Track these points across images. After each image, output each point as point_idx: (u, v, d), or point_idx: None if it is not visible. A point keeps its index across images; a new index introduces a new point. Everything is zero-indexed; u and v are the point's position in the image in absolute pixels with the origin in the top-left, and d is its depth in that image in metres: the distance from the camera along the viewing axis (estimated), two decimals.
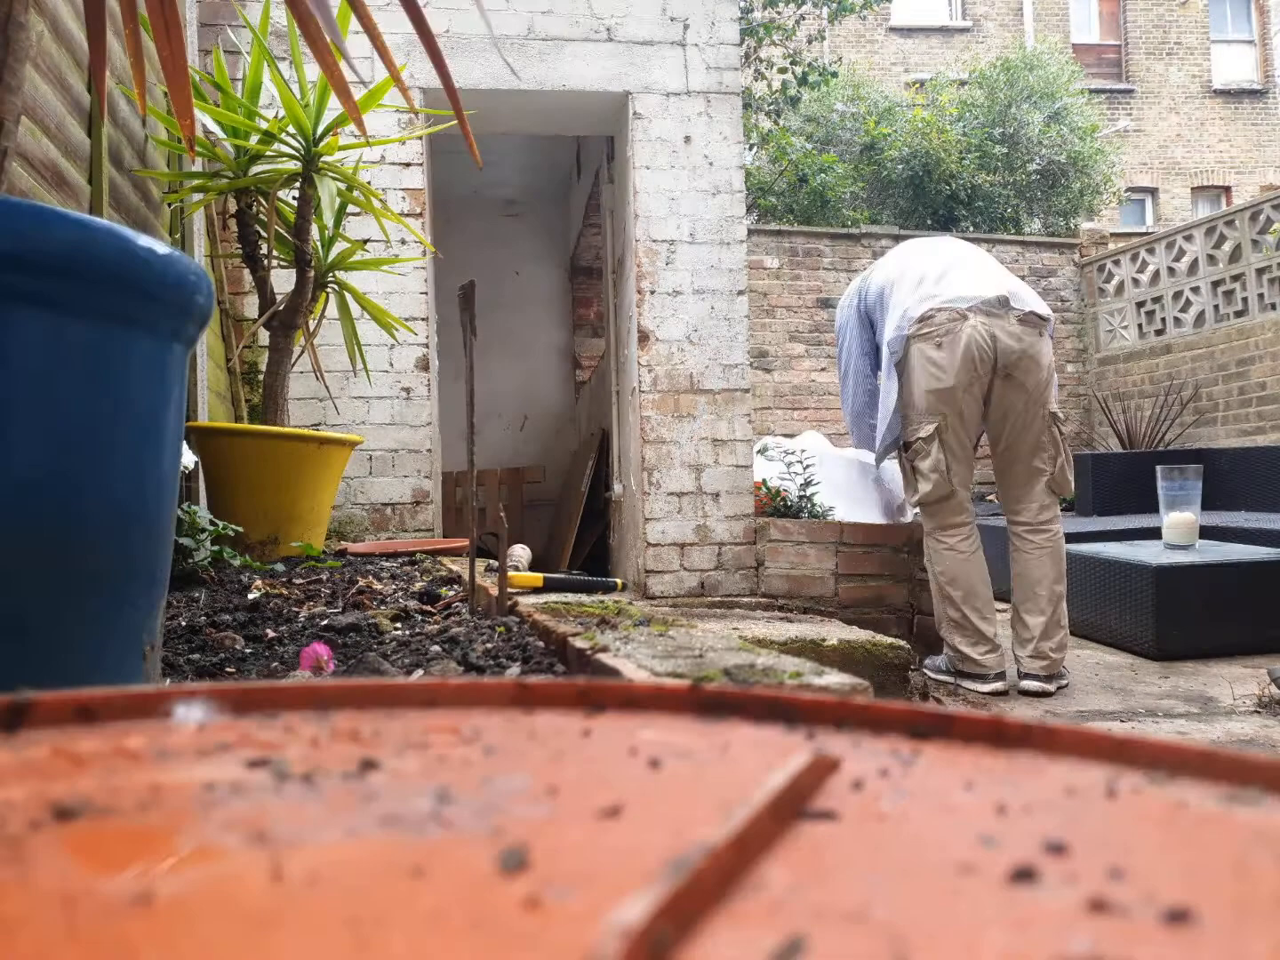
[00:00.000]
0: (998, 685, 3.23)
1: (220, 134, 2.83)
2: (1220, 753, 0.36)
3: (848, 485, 4.10)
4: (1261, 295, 6.93)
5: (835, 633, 3.00)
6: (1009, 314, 3.28)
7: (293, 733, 0.42)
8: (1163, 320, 7.88)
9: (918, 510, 3.43)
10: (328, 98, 2.66)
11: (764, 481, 4.26)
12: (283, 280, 3.23)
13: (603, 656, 1.00)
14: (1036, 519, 3.33)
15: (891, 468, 3.98)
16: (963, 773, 0.37)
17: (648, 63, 4.20)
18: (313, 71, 3.49)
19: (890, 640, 2.95)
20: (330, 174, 2.76)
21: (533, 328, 7.83)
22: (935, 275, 3.41)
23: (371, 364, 3.79)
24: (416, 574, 2.23)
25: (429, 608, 1.68)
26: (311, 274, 2.86)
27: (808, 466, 4.12)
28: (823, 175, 8.99)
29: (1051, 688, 3.19)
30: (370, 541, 3.15)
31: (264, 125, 2.73)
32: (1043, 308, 3.37)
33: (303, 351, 3.04)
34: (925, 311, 3.29)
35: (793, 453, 4.17)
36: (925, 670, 3.49)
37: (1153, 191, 15.87)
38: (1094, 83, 14.66)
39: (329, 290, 3.15)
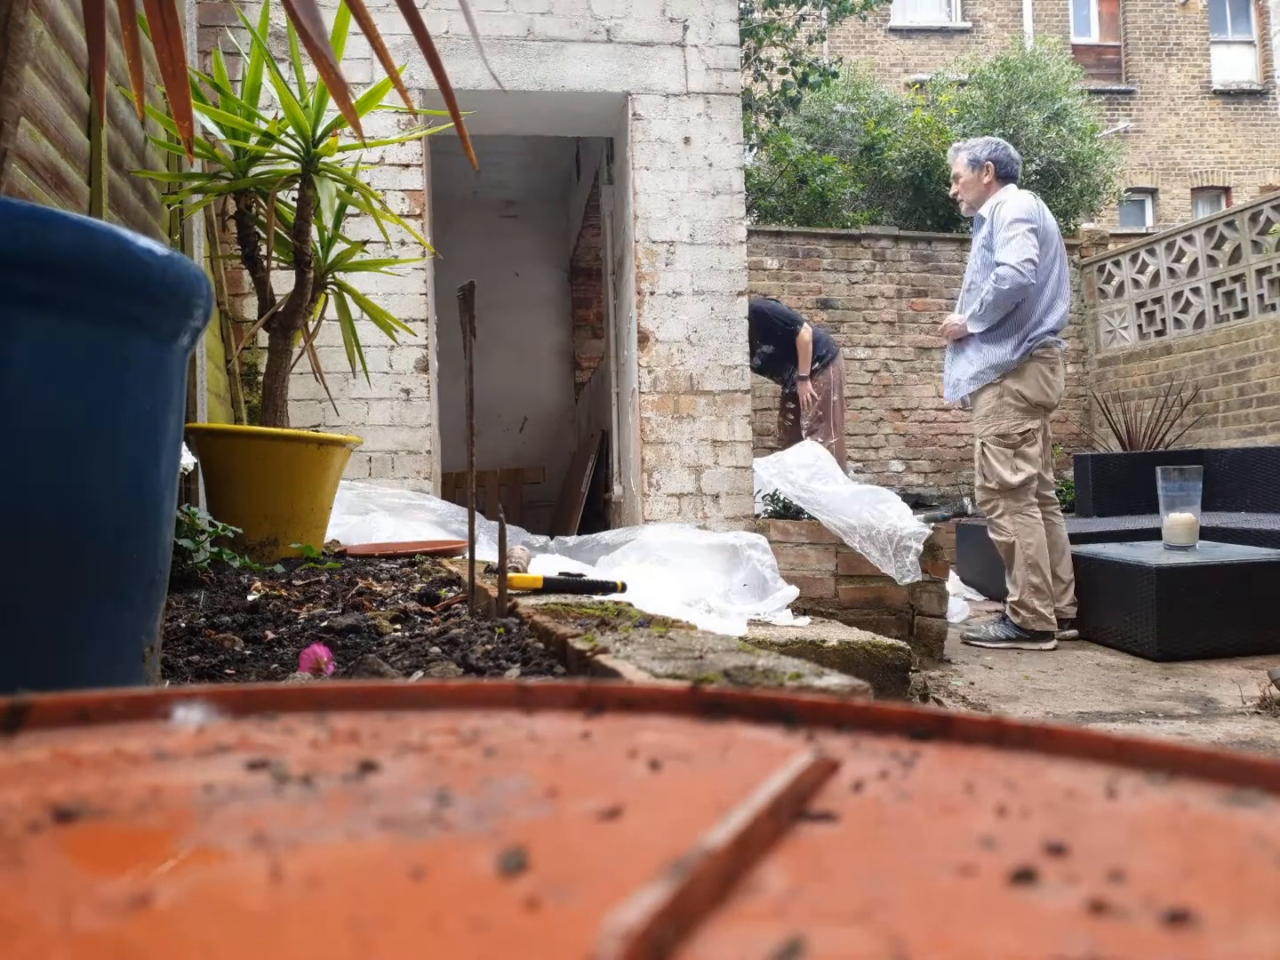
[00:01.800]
0: (1056, 641, 4.02)
1: (220, 135, 2.83)
2: (1220, 754, 0.36)
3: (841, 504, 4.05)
4: (1261, 296, 6.94)
5: (835, 634, 3.00)
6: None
7: (292, 734, 0.42)
8: (1163, 321, 7.89)
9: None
10: (327, 99, 2.66)
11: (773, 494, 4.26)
12: (282, 281, 3.23)
13: (602, 658, 1.00)
14: (1056, 501, 4.24)
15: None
16: (963, 774, 0.37)
17: (647, 64, 4.21)
18: (312, 73, 3.49)
19: (890, 641, 2.95)
20: (329, 175, 2.76)
21: (532, 329, 7.83)
22: (1050, 297, 4.03)
23: (371, 365, 3.79)
24: (416, 575, 2.23)
25: (428, 609, 1.68)
26: (311, 275, 2.85)
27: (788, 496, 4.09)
28: (822, 176, 9.00)
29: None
30: (369, 542, 3.15)
31: (263, 126, 2.73)
32: None
33: (302, 353, 3.04)
34: (1047, 340, 3.99)
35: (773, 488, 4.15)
36: (980, 643, 4.06)
37: (1153, 192, 15.88)
38: (1094, 83, 14.69)
39: (328, 291, 3.15)
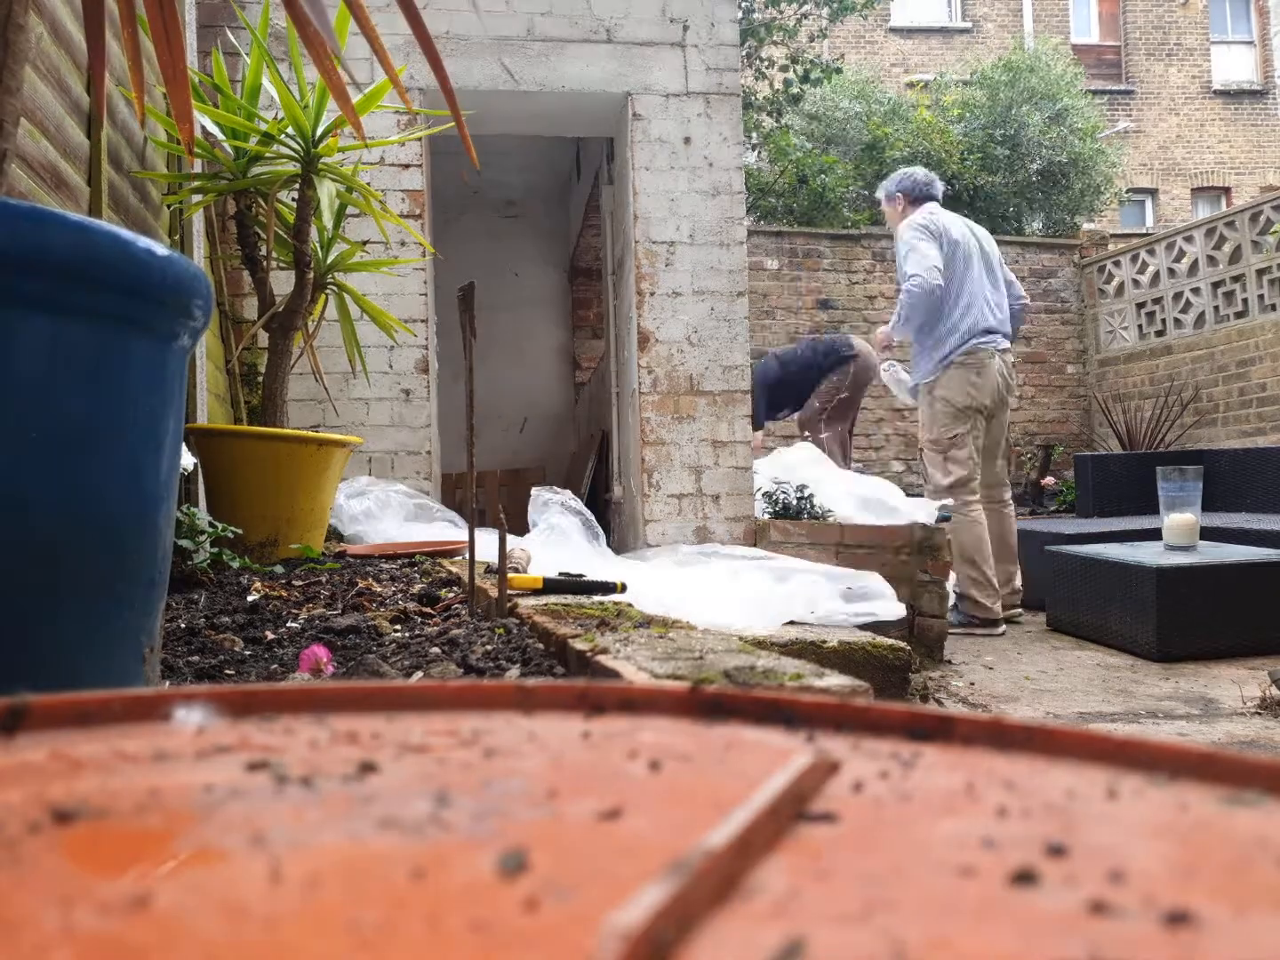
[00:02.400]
0: (1004, 627, 4.29)
1: (219, 135, 2.83)
2: (1221, 754, 0.36)
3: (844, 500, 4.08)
4: (1261, 296, 6.93)
5: (835, 634, 3.00)
6: (1006, 353, 4.39)
7: (292, 735, 0.42)
8: (1163, 321, 7.88)
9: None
10: (327, 99, 2.66)
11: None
12: (282, 282, 3.23)
13: (602, 658, 1.00)
14: (1006, 496, 4.59)
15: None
16: (963, 775, 0.37)
17: (647, 64, 4.21)
18: (312, 73, 3.49)
19: (890, 642, 2.95)
20: (329, 175, 2.76)
21: (532, 329, 7.82)
22: (965, 303, 4.25)
23: (371, 365, 3.78)
24: (416, 576, 2.23)
25: (428, 609, 1.68)
26: (311, 275, 2.85)
27: (801, 487, 4.11)
28: (823, 176, 8.99)
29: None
30: (369, 543, 3.15)
31: (263, 127, 2.73)
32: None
33: (302, 353, 3.04)
34: (970, 347, 4.23)
35: (784, 482, 4.17)
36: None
37: (1153, 192, 15.88)
38: (1094, 84, 14.68)
39: (328, 292, 3.15)
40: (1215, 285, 7.36)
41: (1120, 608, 3.88)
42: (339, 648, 1.34)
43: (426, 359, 4.07)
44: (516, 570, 2.11)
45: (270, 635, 1.43)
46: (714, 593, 2.66)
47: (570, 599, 1.67)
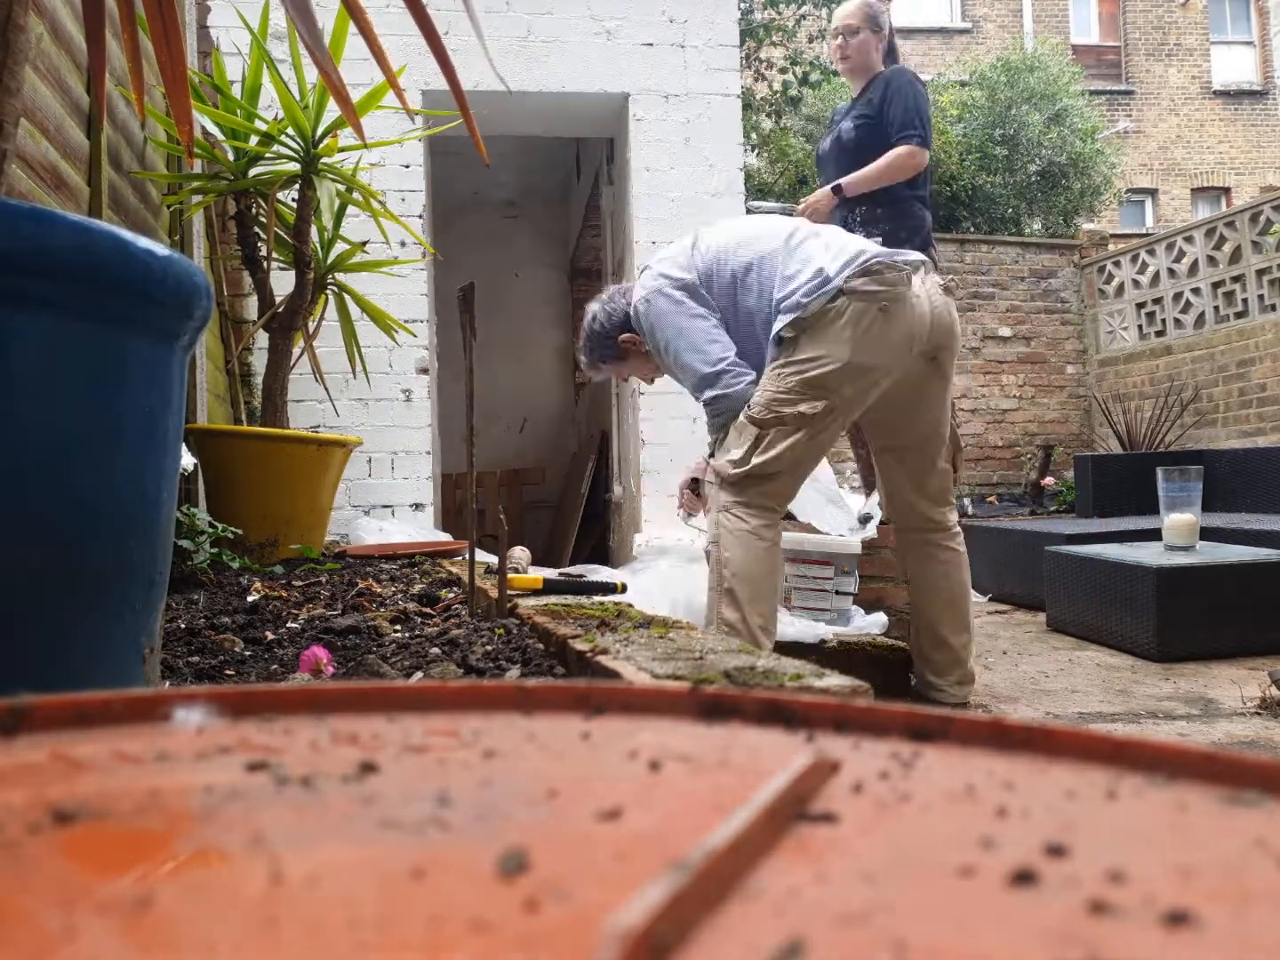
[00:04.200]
0: None
1: (219, 136, 2.83)
2: (1221, 755, 0.36)
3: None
4: (1261, 296, 6.93)
5: (835, 633, 3.00)
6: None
7: (292, 736, 0.42)
8: (1163, 321, 7.88)
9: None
10: (326, 100, 2.66)
11: None
12: (282, 282, 3.23)
13: (603, 659, 1.00)
14: (953, 523, 2.72)
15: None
16: (963, 775, 0.37)
17: (647, 65, 4.21)
18: (312, 74, 3.49)
19: (890, 641, 2.95)
20: (329, 175, 2.77)
21: (532, 329, 7.82)
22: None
23: (371, 366, 3.78)
24: (415, 576, 2.23)
25: (428, 610, 1.68)
26: (311, 276, 2.85)
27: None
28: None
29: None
30: (369, 544, 3.15)
31: (263, 127, 2.74)
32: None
33: (302, 353, 3.04)
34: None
35: None
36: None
37: (1153, 192, 15.88)
38: (1094, 84, 14.67)
39: (328, 292, 3.15)
40: (1215, 285, 7.36)
41: (1120, 608, 3.88)
42: (339, 648, 1.34)
43: (427, 359, 4.07)
44: (516, 571, 2.11)
45: (270, 636, 1.43)
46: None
47: (570, 599, 1.67)
